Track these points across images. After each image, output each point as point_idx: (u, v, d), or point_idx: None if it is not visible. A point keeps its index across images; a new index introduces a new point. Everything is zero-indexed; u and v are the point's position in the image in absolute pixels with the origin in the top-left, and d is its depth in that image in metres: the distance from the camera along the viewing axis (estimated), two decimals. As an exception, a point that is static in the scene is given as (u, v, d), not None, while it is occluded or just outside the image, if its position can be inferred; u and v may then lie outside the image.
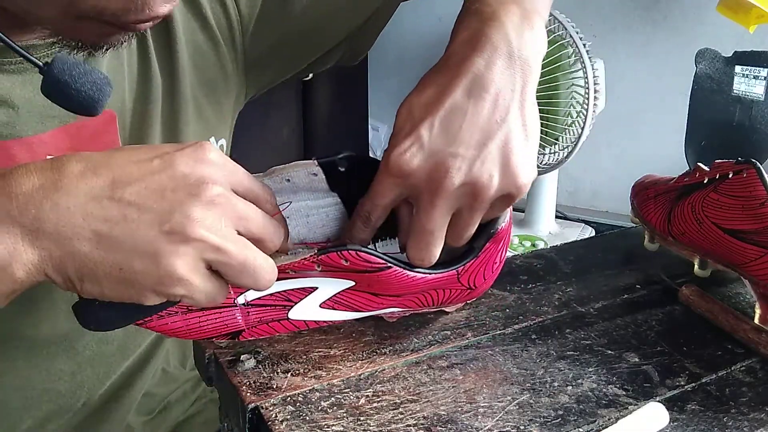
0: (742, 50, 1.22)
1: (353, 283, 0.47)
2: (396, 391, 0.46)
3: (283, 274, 0.44)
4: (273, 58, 0.67)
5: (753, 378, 0.48)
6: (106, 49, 0.45)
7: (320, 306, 0.47)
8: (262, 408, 0.43)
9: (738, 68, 1.21)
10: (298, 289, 0.46)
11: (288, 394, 0.45)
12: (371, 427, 0.42)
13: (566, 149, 1.35)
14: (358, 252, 0.44)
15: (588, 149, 1.65)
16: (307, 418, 0.43)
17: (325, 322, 0.49)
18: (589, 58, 1.26)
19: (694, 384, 0.47)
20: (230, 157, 0.66)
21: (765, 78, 1.18)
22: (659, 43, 1.51)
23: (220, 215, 0.36)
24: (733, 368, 0.49)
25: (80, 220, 0.34)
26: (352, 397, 0.45)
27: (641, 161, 1.60)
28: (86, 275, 0.35)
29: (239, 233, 0.38)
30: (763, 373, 0.49)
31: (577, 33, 1.26)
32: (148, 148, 0.38)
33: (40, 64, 0.41)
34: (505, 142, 0.43)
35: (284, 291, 0.46)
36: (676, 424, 0.43)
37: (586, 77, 1.26)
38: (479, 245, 0.48)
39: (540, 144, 1.35)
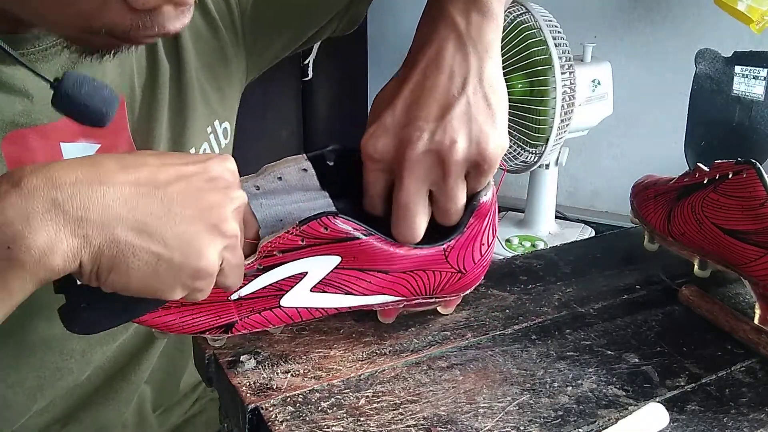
0: (742, 50, 1.22)
1: (340, 259, 0.46)
2: (396, 391, 0.46)
3: (271, 258, 0.45)
4: (272, 37, 0.68)
5: (753, 378, 0.48)
6: (114, 54, 0.46)
7: (311, 290, 0.48)
8: (262, 408, 0.43)
9: (738, 68, 1.21)
10: (288, 277, 0.46)
11: (288, 394, 0.45)
12: (371, 428, 0.42)
13: (542, 148, 1.33)
14: (335, 216, 0.44)
15: (588, 149, 1.65)
16: (307, 418, 0.43)
17: (317, 310, 0.49)
18: (566, 58, 1.24)
19: (694, 384, 0.47)
20: (233, 154, 0.67)
21: (765, 78, 1.18)
22: (659, 43, 1.51)
23: (240, 219, 0.41)
24: (733, 368, 0.49)
25: (125, 211, 0.35)
26: (352, 398, 0.45)
27: (641, 161, 1.60)
28: (119, 264, 0.36)
29: None
30: (763, 374, 0.49)
31: (560, 35, 1.25)
32: (175, 155, 0.40)
33: (50, 80, 0.42)
34: (465, 112, 0.45)
35: (275, 282, 0.46)
36: (676, 424, 0.43)
37: (565, 81, 1.25)
38: (464, 220, 0.48)
39: (525, 142, 1.35)
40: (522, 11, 1.24)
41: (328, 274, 0.47)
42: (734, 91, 1.23)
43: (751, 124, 1.21)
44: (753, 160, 0.53)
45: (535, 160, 1.36)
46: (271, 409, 0.44)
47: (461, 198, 0.47)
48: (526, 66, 1.24)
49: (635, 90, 1.57)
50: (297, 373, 0.47)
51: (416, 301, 0.51)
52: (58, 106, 0.42)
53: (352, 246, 0.46)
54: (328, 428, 0.42)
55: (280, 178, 0.50)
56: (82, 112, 0.42)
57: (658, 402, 0.45)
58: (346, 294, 0.49)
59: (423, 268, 0.49)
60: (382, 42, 1.81)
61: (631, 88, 1.56)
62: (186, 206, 0.37)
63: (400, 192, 0.46)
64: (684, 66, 1.31)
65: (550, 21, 1.26)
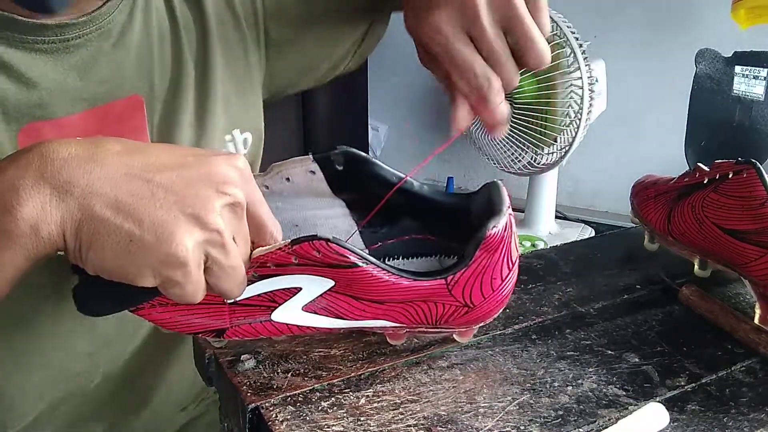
0: (742, 50, 1.22)
1: (333, 284, 0.44)
2: (396, 391, 0.46)
3: (264, 268, 0.43)
4: (290, 58, 0.68)
5: (753, 378, 0.48)
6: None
7: (303, 309, 0.45)
8: (262, 408, 0.43)
9: (738, 68, 1.21)
10: (283, 289, 0.45)
11: (288, 394, 0.45)
12: (371, 427, 0.42)
13: (563, 150, 1.35)
14: (328, 242, 0.41)
15: (588, 149, 1.66)
16: (307, 418, 0.43)
17: (308, 328, 0.46)
18: (585, 58, 1.26)
19: (694, 384, 0.47)
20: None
21: (765, 78, 1.18)
22: (659, 43, 1.51)
23: (236, 218, 0.39)
24: (733, 368, 0.49)
25: (108, 189, 0.35)
26: (352, 397, 0.45)
27: (641, 161, 1.60)
28: (96, 242, 0.36)
29: None
30: (763, 373, 0.49)
31: (573, 34, 1.26)
32: (186, 148, 0.40)
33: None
34: None
35: (270, 291, 0.45)
36: (676, 424, 0.43)
37: (582, 78, 1.26)
38: (469, 253, 0.44)
39: (538, 144, 1.36)
40: None
41: (320, 296, 0.45)
42: (734, 91, 1.23)
43: (751, 124, 1.21)
44: (753, 160, 0.53)
45: (556, 159, 1.37)
46: (271, 408, 0.44)
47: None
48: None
49: (635, 90, 1.57)
50: (297, 372, 0.47)
51: (419, 328, 0.48)
52: None
53: (346, 273, 0.43)
54: (328, 428, 0.42)
55: (288, 179, 0.49)
56: None
57: (658, 402, 0.45)
58: (336, 318, 0.46)
59: (423, 299, 0.45)
60: (382, 42, 1.81)
61: (632, 88, 1.57)
62: (171, 193, 0.36)
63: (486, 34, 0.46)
64: (684, 66, 1.31)
65: (564, 19, 1.27)
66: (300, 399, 0.45)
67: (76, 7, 0.50)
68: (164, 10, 0.58)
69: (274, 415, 0.43)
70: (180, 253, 0.36)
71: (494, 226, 0.44)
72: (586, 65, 1.25)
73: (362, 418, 0.43)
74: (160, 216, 0.36)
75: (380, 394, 0.45)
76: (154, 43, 0.57)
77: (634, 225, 0.69)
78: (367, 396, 0.45)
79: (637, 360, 0.50)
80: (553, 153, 1.37)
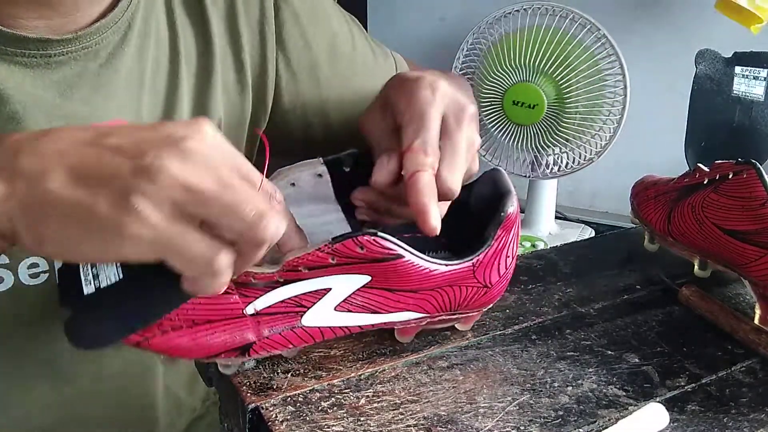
0: (742, 51, 1.22)
1: (369, 279, 0.44)
2: (396, 391, 0.46)
3: (294, 273, 0.42)
4: (287, 130, 0.66)
5: (753, 378, 0.48)
6: None
7: (335, 309, 0.45)
8: (262, 408, 0.43)
9: (738, 69, 1.21)
10: (310, 292, 0.43)
11: (288, 394, 0.45)
12: (371, 428, 0.42)
13: (599, 152, 1.39)
14: (374, 237, 0.41)
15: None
16: (307, 418, 0.43)
17: (340, 329, 0.46)
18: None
19: (694, 384, 0.47)
20: None
21: (765, 78, 1.18)
22: (659, 43, 1.51)
23: (197, 166, 0.33)
24: (733, 368, 0.49)
25: (56, 159, 0.33)
26: (352, 398, 0.45)
27: (641, 161, 1.60)
28: (49, 218, 0.33)
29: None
30: (763, 374, 0.49)
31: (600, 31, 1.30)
32: (159, 123, 0.38)
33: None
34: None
35: (296, 296, 0.43)
36: (676, 424, 0.43)
37: (625, 77, 1.31)
38: (491, 233, 0.47)
39: (577, 145, 1.39)
40: (564, 14, 1.29)
41: (354, 293, 0.45)
42: (734, 92, 1.23)
43: (751, 125, 1.21)
44: (753, 161, 0.53)
45: (592, 156, 1.40)
46: (271, 408, 0.44)
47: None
48: (557, 69, 1.28)
49: (635, 90, 1.57)
50: (297, 372, 0.47)
51: (439, 317, 0.49)
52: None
53: (387, 267, 0.43)
54: (328, 428, 0.42)
55: (293, 184, 0.49)
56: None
57: (658, 402, 0.45)
58: (370, 313, 0.46)
59: (450, 284, 0.47)
60: (382, 42, 1.81)
61: (631, 88, 1.56)
62: (119, 153, 0.33)
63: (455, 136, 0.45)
64: (684, 66, 1.31)
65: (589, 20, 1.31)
66: (300, 399, 0.45)
67: (62, 18, 0.49)
68: (166, 41, 0.56)
69: (274, 415, 0.43)
70: (132, 211, 0.32)
71: (511, 205, 0.47)
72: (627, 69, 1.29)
73: (362, 418, 0.43)
74: (107, 177, 0.32)
75: (380, 394, 0.45)
76: (147, 71, 0.55)
77: (634, 225, 0.69)
78: (367, 396, 0.45)
79: (637, 360, 0.50)
80: (592, 156, 1.41)
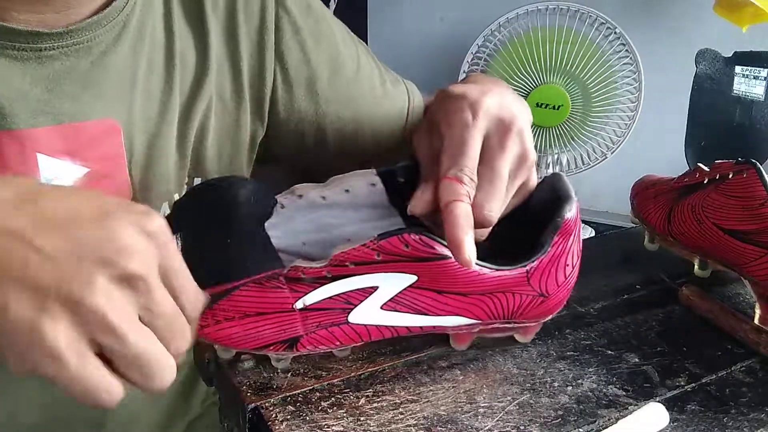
0: (742, 50, 1.22)
1: (416, 278, 0.44)
2: (396, 391, 0.46)
3: (341, 268, 0.43)
4: (280, 141, 0.66)
5: (753, 378, 0.48)
6: None
7: (381, 308, 0.45)
8: (262, 408, 0.43)
9: (738, 68, 1.21)
10: (358, 290, 0.44)
11: (288, 394, 0.45)
12: (371, 427, 0.42)
13: (613, 150, 1.41)
14: (420, 236, 0.42)
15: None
16: (307, 418, 0.43)
17: (387, 329, 0.46)
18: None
19: (694, 384, 0.47)
20: None
21: (765, 78, 1.18)
22: (659, 43, 1.51)
23: (136, 294, 0.33)
24: (733, 368, 0.49)
25: None
26: (352, 397, 0.45)
27: (641, 161, 1.60)
28: None
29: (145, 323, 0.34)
30: (763, 373, 0.49)
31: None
32: (97, 197, 0.34)
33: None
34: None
35: (344, 293, 0.44)
36: (676, 424, 0.43)
37: (639, 73, 1.32)
38: (547, 239, 0.45)
39: (597, 143, 1.39)
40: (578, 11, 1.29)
41: (400, 292, 0.44)
42: (734, 91, 1.23)
43: (751, 124, 1.21)
44: (753, 160, 0.53)
45: (606, 152, 1.42)
46: (271, 408, 0.44)
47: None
48: (583, 68, 1.30)
49: (635, 90, 1.57)
50: (297, 372, 0.47)
51: (493, 325, 0.48)
52: None
53: (432, 266, 0.43)
54: (328, 428, 0.42)
55: (347, 191, 0.49)
56: None
57: (658, 402, 0.45)
58: (418, 314, 0.46)
59: (503, 289, 0.46)
60: (382, 42, 1.81)
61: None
62: (48, 262, 0.31)
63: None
64: (684, 66, 1.31)
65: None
66: (300, 399, 0.45)
67: (55, 14, 0.48)
68: (162, 43, 0.56)
69: (274, 415, 0.43)
70: (47, 343, 0.30)
71: (569, 210, 0.46)
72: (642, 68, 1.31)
73: (362, 418, 0.43)
74: (26, 294, 0.30)
75: (380, 394, 0.45)
76: (140, 71, 0.54)
77: (634, 225, 0.69)
78: (367, 396, 0.45)
79: (637, 360, 0.50)
80: (606, 153, 1.41)
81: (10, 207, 0.32)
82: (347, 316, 0.45)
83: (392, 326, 0.46)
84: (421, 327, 0.47)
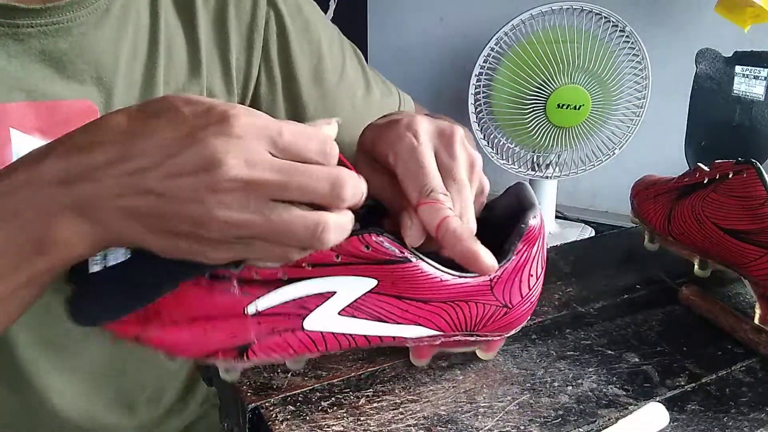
0: (742, 50, 1.22)
1: (375, 283, 0.42)
2: (396, 391, 0.46)
3: (298, 270, 0.41)
4: None
5: (753, 378, 0.48)
6: None
7: (339, 313, 0.43)
8: (262, 408, 0.43)
9: (738, 68, 1.21)
10: (314, 295, 0.42)
11: (288, 394, 0.45)
12: (371, 427, 0.42)
13: (619, 147, 1.42)
14: (382, 236, 0.41)
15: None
16: (307, 418, 0.43)
17: (344, 336, 0.44)
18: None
19: (694, 384, 0.47)
20: None
21: (765, 78, 1.18)
22: (659, 43, 1.51)
23: (253, 154, 0.35)
24: (733, 368, 0.49)
25: (111, 214, 0.35)
26: (352, 397, 0.45)
27: (641, 161, 1.60)
28: (129, 238, 0.36)
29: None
30: (763, 373, 0.49)
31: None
32: (165, 122, 0.36)
33: None
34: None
35: (299, 298, 0.42)
36: (676, 424, 0.43)
37: (646, 71, 1.33)
38: (511, 247, 0.44)
39: (603, 144, 1.39)
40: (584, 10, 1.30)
41: (359, 298, 0.43)
42: (734, 91, 1.23)
43: (751, 124, 1.21)
44: (753, 160, 0.53)
45: (614, 149, 1.43)
46: (271, 408, 0.44)
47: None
48: (603, 68, 1.31)
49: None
50: (297, 372, 0.47)
51: (455, 338, 0.46)
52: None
53: (395, 270, 0.42)
54: (328, 428, 0.42)
55: None
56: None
57: (658, 401, 0.45)
58: (377, 321, 0.44)
59: (466, 298, 0.44)
60: (382, 43, 1.81)
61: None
62: (168, 202, 0.35)
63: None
64: (684, 66, 1.31)
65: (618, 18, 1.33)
66: (300, 399, 0.45)
67: None
68: (147, 30, 0.56)
69: (274, 415, 0.43)
70: (234, 217, 0.34)
71: (534, 217, 0.45)
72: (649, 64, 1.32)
73: (362, 418, 0.43)
74: (166, 234, 0.35)
75: (380, 394, 0.45)
76: (122, 57, 0.54)
77: (634, 225, 0.69)
78: (367, 396, 0.45)
79: (637, 360, 0.50)
80: (610, 152, 1.42)
81: (114, 168, 0.35)
82: (302, 322, 0.42)
83: (350, 334, 0.44)
84: (380, 337, 0.44)
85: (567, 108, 1.31)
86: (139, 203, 0.35)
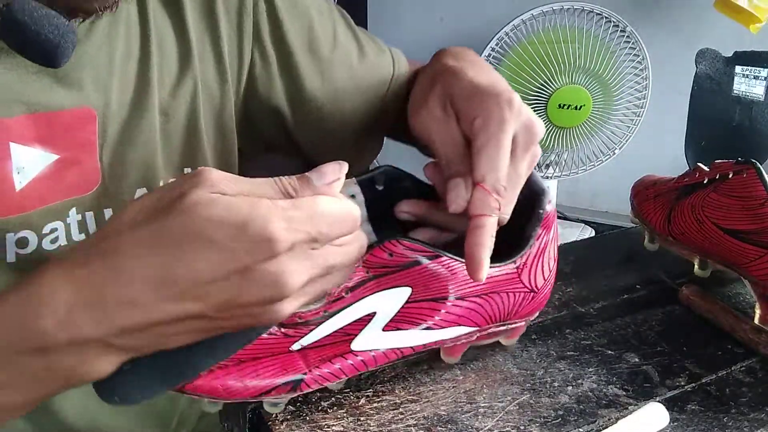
0: (742, 50, 1.22)
1: (410, 291, 0.43)
2: (396, 391, 0.46)
3: (337, 303, 0.41)
4: (258, 118, 0.66)
5: (753, 378, 0.48)
6: (102, 11, 0.44)
7: (383, 330, 0.43)
8: (263, 408, 0.43)
9: (738, 68, 1.21)
10: (355, 321, 0.42)
11: (288, 394, 0.45)
12: (371, 427, 0.42)
13: (620, 146, 1.43)
14: (399, 240, 0.41)
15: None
16: (307, 418, 0.43)
17: (393, 351, 0.44)
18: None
19: (694, 384, 0.47)
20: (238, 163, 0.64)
21: (765, 78, 1.18)
22: (659, 43, 1.51)
23: (309, 246, 0.35)
24: (733, 368, 0.49)
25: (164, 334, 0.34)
26: (352, 397, 0.45)
27: (641, 161, 1.60)
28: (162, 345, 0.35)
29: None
30: (763, 373, 0.49)
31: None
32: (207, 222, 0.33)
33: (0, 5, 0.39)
34: None
35: (341, 328, 0.42)
36: (676, 424, 0.43)
37: (647, 71, 1.33)
38: (531, 232, 0.45)
39: (604, 143, 1.39)
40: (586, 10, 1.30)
41: (399, 310, 0.43)
42: (734, 91, 1.23)
43: (751, 124, 1.21)
44: (753, 160, 0.53)
45: (615, 148, 1.44)
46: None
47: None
48: (604, 68, 1.32)
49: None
50: (297, 372, 0.47)
51: (488, 330, 0.47)
52: (5, 34, 0.39)
53: (421, 271, 0.42)
54: (328, 428, 0.42)
55: None
56: (32, 41, 0.39)
57: (658, 402, 0.45)
58: (422, 329, 0.44)
59: (496, 290, 0.45)
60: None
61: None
62: (229, 305, 0.34)
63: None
64: (684, 66, 1.31)
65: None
66: (300, 399, 0.45)
67: None
68: (137, 26, 0.55)
69: (274, 415, 0.43)
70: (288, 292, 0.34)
71: (549, 202, 0.46)
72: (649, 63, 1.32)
73: (362, 418, 0.43)
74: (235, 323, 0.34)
75: (380, 394, 0.45)
76: (116, 58, 0.53)
77: (634, 225, 0.69)
78: (367, 396, 0.45)
79: (637, 360, 0.50)
80: (610, 152, 1.42)
81: (149, 273, 0.33)
82: (350, 345, 0.43)
83: (397, 348, 0.44)
84: (424, 345, 0.45)
85: (568, 108, 1.31)
86: (200, 336, 0.35)
